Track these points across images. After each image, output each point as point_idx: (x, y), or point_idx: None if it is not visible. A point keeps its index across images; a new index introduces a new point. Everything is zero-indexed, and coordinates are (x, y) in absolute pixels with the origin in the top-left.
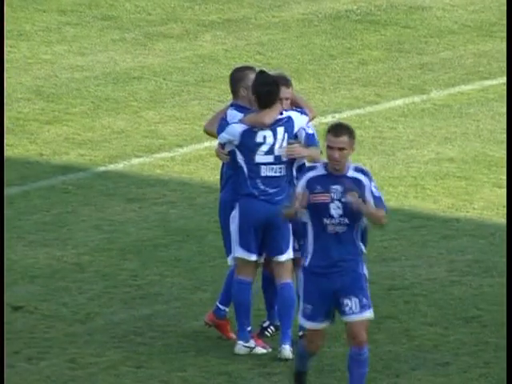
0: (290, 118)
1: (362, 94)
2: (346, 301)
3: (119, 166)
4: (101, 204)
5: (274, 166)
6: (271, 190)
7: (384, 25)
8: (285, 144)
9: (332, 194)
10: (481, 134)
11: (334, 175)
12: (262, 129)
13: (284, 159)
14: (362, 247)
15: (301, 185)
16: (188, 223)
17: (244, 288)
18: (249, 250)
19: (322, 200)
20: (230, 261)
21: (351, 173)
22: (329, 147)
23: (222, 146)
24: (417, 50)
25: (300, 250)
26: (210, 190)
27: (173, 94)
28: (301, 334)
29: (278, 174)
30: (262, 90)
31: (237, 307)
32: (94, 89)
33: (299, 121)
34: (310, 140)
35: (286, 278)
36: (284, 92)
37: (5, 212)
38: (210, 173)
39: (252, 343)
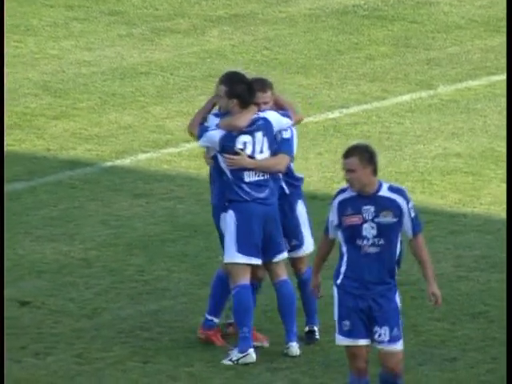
0: (266, 120)
1: (369, 90)
2: (377, 328)
3: (126, 161)
4: (108, 199)
5: (257, 171)
6: (260, 195)
7: (391, 20)
8: (265, 148)
9: (364, 215)
10: (488, 130)
11: (364, 196)
12: (241, 133)
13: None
14: (396, 270)
15: (332, 209)
16: (195, 218)
17: (248, 293)
18: (250, 254)
19: (354, 222)
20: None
21: (384, 192)
22: (343, 169)
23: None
24: (424, 45)
25: (292, 250)
26: None
27: (180, 89)
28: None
29: (262, 178)
30: (241, 88)
31: (242, 314)
32: (101, 84)
33: (278, 122)
34: (283, 146)
35: (283, 275)
36: (260, 97)
37: (12, 207)
38: None
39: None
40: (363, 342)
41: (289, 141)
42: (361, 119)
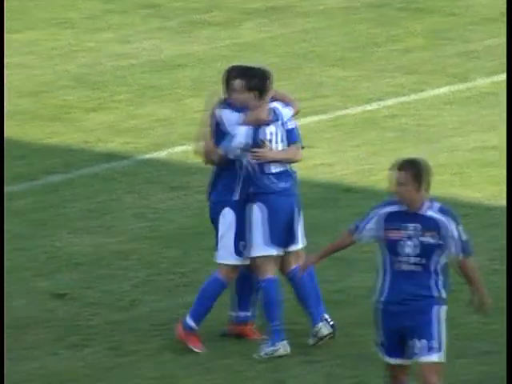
0: (277, 110)
1: (406, 82)
2: (413, 341)
3: (163, 153)
4: (144, 192)
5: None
6: (287, 185)
7: (429, 12)
8: (282, 138)
9: (406, 232)
10: None
11: (412, 212)
12: (266, 125)
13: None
14: (442, 291)
15: (375, 218)
16: None
17: (276, 286)
18: (280, 245)
19: (397, 237)
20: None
21: (431, 212)
22: (394, 182)
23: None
24: (461, 37)
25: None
26: None
27: (217, 81)
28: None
29: (284, 169)
30: (258, 79)
31: (272, 307)
32: (138, 76)
33: (285, 112)
34: (292, 136)
35: (296, 263)
36: None
37: (49, 199)
38: None
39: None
40: (398, 361)
41: (293, 130)
42: (398, 111)
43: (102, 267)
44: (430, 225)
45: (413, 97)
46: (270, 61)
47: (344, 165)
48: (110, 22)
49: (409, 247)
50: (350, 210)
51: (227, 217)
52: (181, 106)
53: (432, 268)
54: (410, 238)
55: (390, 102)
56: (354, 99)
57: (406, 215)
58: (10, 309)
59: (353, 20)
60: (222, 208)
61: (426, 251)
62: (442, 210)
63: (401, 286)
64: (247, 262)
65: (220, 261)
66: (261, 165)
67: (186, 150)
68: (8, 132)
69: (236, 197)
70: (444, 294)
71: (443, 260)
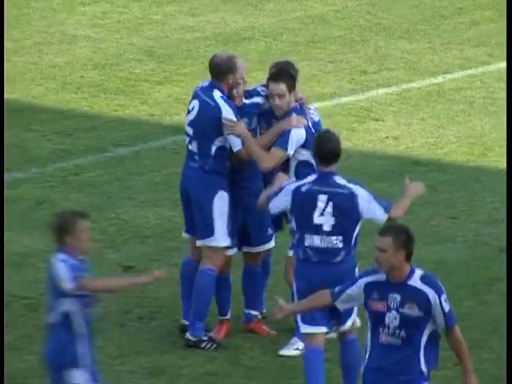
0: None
1: (473, 55)
2: None
3: None
4: None
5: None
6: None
7: None
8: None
9: (389, 303)
10: None
11: (392, 282)
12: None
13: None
14: (424, 367)
15: (357, 286)
16: None
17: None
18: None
19: (379, 309)
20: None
21: (415, 281)
22: (375, 247)
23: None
24: None
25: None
26: None
27: (283, 54)
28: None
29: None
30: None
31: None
32: (204, 49)
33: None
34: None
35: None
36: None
37: (115, 172)
38: None
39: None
40: None
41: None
42: (464, 84)
43: (168, 240)
44: (412, 296)
45: (480, 69)
46: (336, 34)
47: (411, 138)
48: None
49: (389, 319)
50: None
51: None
52: (247, 78)
53: (413, 342)
54: (390, 309)
55: (456, 74)
56: (420, 72)
57: (388, 285)
58: None
59: None
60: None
61: (406, 324)
62: (424, 279)
63: (381, 360)
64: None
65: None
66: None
67: None
68: (76, 104)
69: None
70: (426, 371)
71: (426, 333)
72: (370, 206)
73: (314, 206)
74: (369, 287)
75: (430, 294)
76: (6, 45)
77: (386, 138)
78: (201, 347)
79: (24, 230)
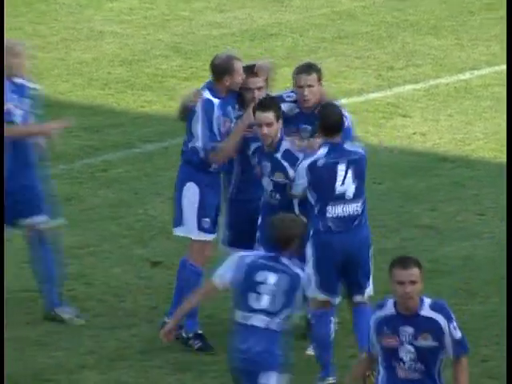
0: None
1: (500, 51)
2: None
3: None
4: None
5: None
6: None
7: None
8: None
9: (401, 337)
10: None
11: (404, 315)
12: None
13: None
14: None
15: (372, 326)
16: None
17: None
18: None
19: (391, 344)
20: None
21: (426, 311)
22: (398, 283)
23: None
24: None
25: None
26: None
27: (309, 50)
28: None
29: None
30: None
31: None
32: (231, 45)
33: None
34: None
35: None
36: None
37: (143, 168)
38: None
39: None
40: None
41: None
42: (492, 81)
43: None
44: (425, 326)
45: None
46: (363, 30)
47: (438, 134)
48: None
49: (404, 353)
50: (445, 179)
51: None
52: (274, 75)
53: (431, 372)
54: (402, 343)
55: (483, 71)
56: (448, 68)
57: (399, 318)
58: (109, 276)
59: None
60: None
61: (423, 356)
62: (433, 307)
63: None
64: None
65: None
66: None
67: None
68: (102, 100)
69: None
70: None
71: (440, 361)
72: None
73: (335, 177)
74: (379, 323)
75: (441, 321)
76: (34, 41)
77: (414, 134)
78: (188, 344)
79: None
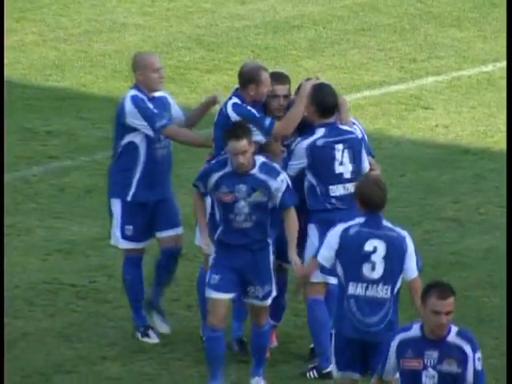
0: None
1: None
2: None
3: None
4: None
5: None
6: None
7: None
8: None
9: (425, 360)
10: None
11: (429, 338)
12: None
13: None
14: None
15: (392, 347)
16: None
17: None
18: None
19: (414, 367)
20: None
21: (453, 338)
22: (435, 312)
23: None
24: None
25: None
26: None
27: (332, 42)
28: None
29: None
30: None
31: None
32: (253, 38)
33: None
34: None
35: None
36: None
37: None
38: (369, 122)
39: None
40: None
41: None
42: None
43: None
44: (451, 352)
45: None
46: (386, 21)
47: (460, 126)
48: None
49: (426, 377)
50: (467, 171)
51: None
52: (296, 67)
53: None
54: (426, 367)
55: (505, 63)
56: (470, 60)
57: (425, 341)
58: None
59: None
60: None
61: (445, 381)
62: (461, 334)
63: None
64: None
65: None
66: None
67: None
68: (125, 92)
69: None
70: None
71: None
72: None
73: (334, 157)
74: (402, 344)
75: (467, 349)
76: (57, 33)
77: (436, 126)
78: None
79: (73, 218)
